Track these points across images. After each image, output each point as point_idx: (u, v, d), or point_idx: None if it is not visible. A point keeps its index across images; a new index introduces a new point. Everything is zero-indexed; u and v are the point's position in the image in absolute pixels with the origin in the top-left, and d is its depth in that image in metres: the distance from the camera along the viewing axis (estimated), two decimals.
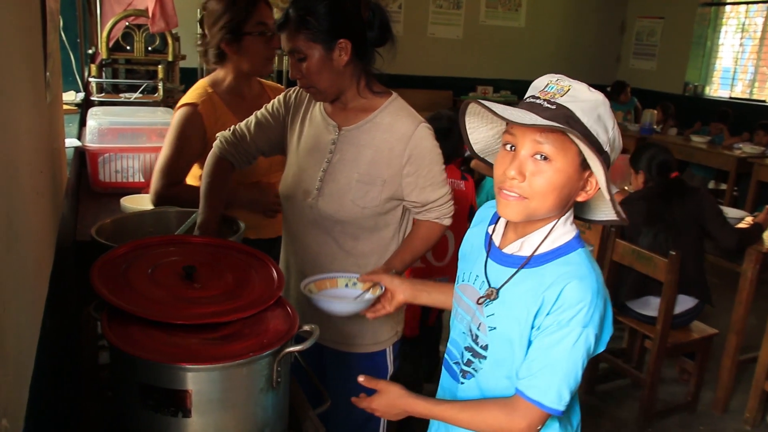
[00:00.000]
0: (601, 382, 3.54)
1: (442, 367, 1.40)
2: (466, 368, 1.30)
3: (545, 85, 1.16)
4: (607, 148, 1.15)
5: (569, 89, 1.13)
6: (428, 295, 1.55)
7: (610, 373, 3.56)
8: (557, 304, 1.14)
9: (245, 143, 1.87)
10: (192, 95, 2.13)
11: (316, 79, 1.67)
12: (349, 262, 1.78)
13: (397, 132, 1.71)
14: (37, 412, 0.95)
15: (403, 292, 1.53)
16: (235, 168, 1.90)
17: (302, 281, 1.60)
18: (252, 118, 1.89)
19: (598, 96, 1.14)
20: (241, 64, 2.13)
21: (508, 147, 1.17)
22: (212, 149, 1.90)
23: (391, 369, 1.89)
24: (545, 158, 1.12)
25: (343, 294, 1.60)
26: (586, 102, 1.12)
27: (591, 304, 1.13)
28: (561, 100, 1.12)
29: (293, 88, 1.88)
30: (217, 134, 1.91)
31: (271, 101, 1.90)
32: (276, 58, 2.40)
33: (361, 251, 1.77)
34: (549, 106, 1.12)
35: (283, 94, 1.89)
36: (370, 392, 1.48)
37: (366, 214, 1.73)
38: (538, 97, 1.14)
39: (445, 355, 1.39)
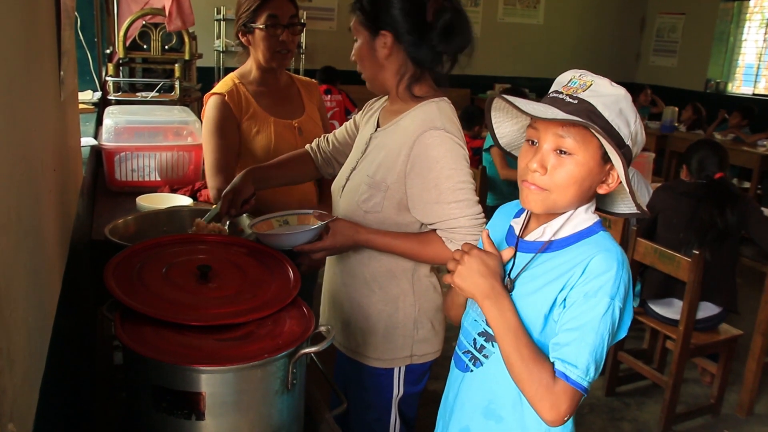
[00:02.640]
0: (621, 383, 3.49)
1: (451, 361, 1.38)
2: (477, 354, 1.29)
3: (568, 80, 1.18)
4: (628, 142, 1.16)
5: (591, 84, 1.15)
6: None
7: (630, 374, 3.50)
8: (583, 277, 1.13)
9: (329, 148, 1.94)
10: (219, 86, 2.21)
11: (360, 65, 1.67)
12: (364, 266, 1.73)
13: (406, 135, 1.61)
14: (47, 415, 0.93)
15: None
16: (315, 165, 1.97)
17: (252, 221, 1.67)
18: (342, 127, 1.94)
19: (620, 90, 1.15)
20: (257, 56, 2.20)
21: (531, 141, 1.19)
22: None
23: (397, 392, 1.76)
24: (567, 152, 1.14)
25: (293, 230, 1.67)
26: (608, 96, 1.14)
27: (617, 276, 1.12)
28: (583, 95, 1.14)
29: (375, 98, 1.88)
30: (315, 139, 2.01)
31: (360, 112, 1.92)
32: None
33: (369, 254, 1.70)
34: (571, 100, 1.14)
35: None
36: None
37: (369, 219, 1.65)
38: (561, 92, 1.17)
39: (456, 348, 1.37)
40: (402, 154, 1.60)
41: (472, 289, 1.19)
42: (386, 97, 1.77)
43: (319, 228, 1.60)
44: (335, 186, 1.82)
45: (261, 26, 2.12)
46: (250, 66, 2.25)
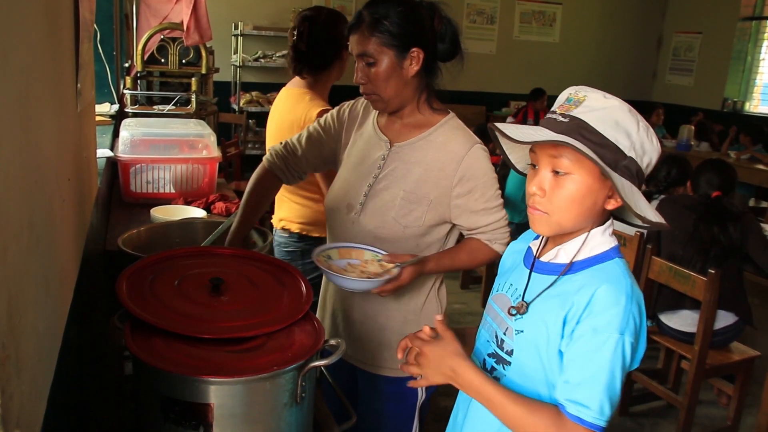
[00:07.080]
0: (635, 403, 3.44)
1: None
2: (488, 375, 1.26)
3: (565, 99, 1.17)
4: (631, 153, 1.12)
5: (584, 99, 1.13)
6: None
7: (644, 393, 3.45)
8: (588, 308, 1.10)
9: (296, 158, 1.86)
10: (323, 103, 2.37)
11: (382, 86, 1.62)
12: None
13: (450, 151, 1.65)
14: (55, 423, 0.93)
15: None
16: (281, 183, 1.90)
17: (318, 248, 1.63)
18: (304, 133, 1.87)
19: (614, 102, 1.12)
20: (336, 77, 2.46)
21: (532, 165, 1.19)
22: (261, 162, 1.90)
23: (421, 396, 1.77)
24: (563, 172, 1.13)
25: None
26: (602, 110, 1.11)
27: (626, 310, 1.09)
28: (575, 112, 1.12)
29: (346, 103, 1.85)
30: (269, 147, 1.93)
31: (324, 116, 1.88)
32: None
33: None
34: (563, 119, 1.12)
35: (336, 109, 1.87)
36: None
37: (407, 233, 1.66)
38: (555, 112, 1.16)
39: None
40: (448, 169, 1.64)
41: (440, 379, 1.19)
42: (365, 103, 1.78)
43: (382, 280, 1.56)
44: (341, 204, 1.76)
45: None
46: (321, 87, 2.47)
